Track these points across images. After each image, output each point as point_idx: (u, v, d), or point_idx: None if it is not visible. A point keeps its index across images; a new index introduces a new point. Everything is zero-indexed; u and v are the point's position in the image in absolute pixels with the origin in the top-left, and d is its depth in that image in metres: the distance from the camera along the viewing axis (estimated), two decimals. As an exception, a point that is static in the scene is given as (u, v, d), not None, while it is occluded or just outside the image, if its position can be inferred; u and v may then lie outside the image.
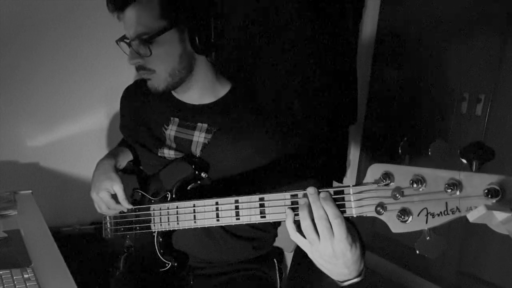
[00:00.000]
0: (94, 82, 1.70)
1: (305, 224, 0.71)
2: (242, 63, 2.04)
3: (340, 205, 0.70)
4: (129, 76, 1.72)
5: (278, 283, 1.15)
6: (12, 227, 1.12)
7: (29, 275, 0.89)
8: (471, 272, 1.98)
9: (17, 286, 0.86)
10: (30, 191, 1.40)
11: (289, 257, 1.29)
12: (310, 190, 0.71)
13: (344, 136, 2.39)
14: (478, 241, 1.93)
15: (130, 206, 1.05)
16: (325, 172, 2.17)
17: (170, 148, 1.07)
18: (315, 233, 0.70)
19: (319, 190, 0.71)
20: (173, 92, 1.09)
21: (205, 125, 1.04)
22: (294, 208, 0.74)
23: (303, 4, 2.07)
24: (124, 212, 1.09)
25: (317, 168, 1.02)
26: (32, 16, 1.55)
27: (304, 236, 0.72)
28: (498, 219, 0.54)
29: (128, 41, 0.96)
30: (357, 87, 2.33)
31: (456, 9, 1.95)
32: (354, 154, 2.53)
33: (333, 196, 0.70)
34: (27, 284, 0.86)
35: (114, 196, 1.05)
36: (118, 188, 1.03)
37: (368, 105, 2.45)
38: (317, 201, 0.70)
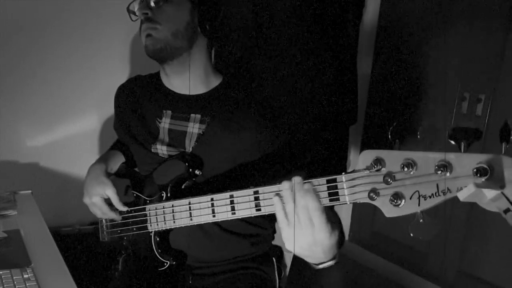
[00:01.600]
0: (93, 82, 1.70)
1: (289, 207, 0.73)
2: (240, 60, 2.04)
3: (333, 193, 0.71)
4: (128, 77, 1.72)
5: (277, 282, 1.15)
6: (12, 227, 1.12)
7: (29, 275, 0.89)
8: (471, 272, 1.98)
9: (17, 286, 0.86)
10: (30, 191, 1.40)
11: (288, 257, 1.28)
12: (296, 179, 0.73)
13: (344, 136, 2.39)
14: (478, 241, 1.93)
15: (126, 208, 1.05)
16: (325, 172, 2.15)
17: (163, 143, 1.07)
18: (298, 217, 0.72)
19: (304, 181, 0.72)
20: (164, 83, 1.10)
21: (198, 116, 1.04)
22: None
23: (304, 3, 2.07)
24: (120, 214, 1.09)
25: (317, 168, 1.02)
26: (31, 17, 1.55)
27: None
28: (488, 197, 0.55)
29: None
30: (357, 87, 2.33)
31: (457, 9, 1.94)
32: (354, 154, 2.53)
33: (326, 185, 0.71)
34: (27, 284, 0.86)
35: (108, 200, 1.05)
36: (110, 192, 1.03)
37: (368, 105, 2.45)
38: (300, 190, 0.72)
